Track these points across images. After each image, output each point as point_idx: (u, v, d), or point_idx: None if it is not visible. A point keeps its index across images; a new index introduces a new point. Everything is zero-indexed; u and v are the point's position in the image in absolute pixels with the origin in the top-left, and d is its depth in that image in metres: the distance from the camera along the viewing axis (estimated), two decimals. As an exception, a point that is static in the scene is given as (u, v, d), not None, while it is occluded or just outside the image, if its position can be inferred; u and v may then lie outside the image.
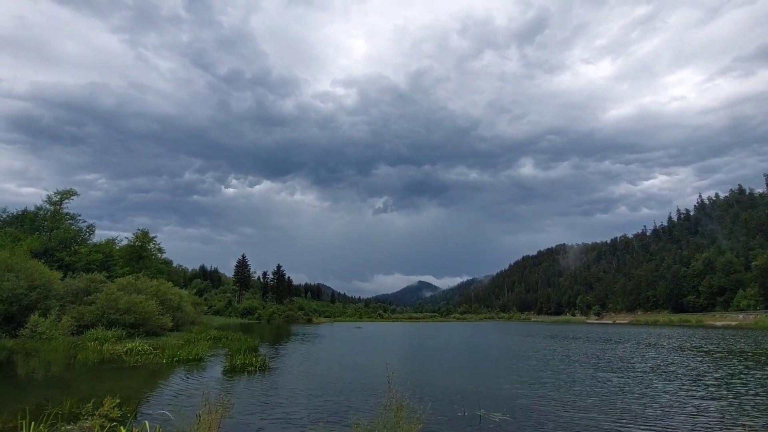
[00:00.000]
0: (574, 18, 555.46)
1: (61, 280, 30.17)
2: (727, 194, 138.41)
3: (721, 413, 10.12)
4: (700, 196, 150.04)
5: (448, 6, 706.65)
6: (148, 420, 8.42)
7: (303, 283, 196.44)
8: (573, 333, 50.94)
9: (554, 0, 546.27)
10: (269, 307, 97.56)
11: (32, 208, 43.19)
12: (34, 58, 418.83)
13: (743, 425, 9.02)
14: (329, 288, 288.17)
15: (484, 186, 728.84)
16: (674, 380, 14.93)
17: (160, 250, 56.72)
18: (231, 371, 16.43)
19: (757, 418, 9.66)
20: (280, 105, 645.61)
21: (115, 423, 7.98)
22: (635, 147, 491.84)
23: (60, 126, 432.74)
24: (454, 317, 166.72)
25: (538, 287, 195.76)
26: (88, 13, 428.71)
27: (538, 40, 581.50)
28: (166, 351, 20.70)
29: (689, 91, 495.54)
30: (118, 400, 8.22)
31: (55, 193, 43.28)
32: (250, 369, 16.73)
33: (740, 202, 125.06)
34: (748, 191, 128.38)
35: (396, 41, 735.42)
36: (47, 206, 43.08)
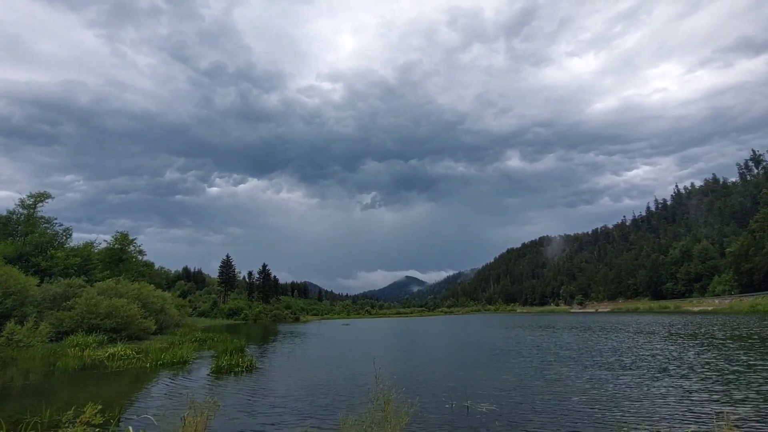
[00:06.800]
0: (560, 11, 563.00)
1: (38, 285, 29.28)
2: (702, 184, 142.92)
3: (697, 399, 10.47)
4: (676, 185, 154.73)
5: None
6: (132, 425, 8.27)
7: (289, 281, 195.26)
8: (557, 323, 52.01)
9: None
10: (255, 307, 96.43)
11: (5, 213, 41.77)
12: (4, 56, 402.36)
13: (725, 413, 9.35)
14: (316, 286, 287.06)
15: (471, 179, 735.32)
16: (658, 369, 15.39)
17: (140, 252, 55.66)
18: (217, 372, 16.22)
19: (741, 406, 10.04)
20: (264, 100, 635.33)
21: (97, 429, 7.81)
22: (619, 138, 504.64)
23: (31, 125, 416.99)
24: (441, 311, 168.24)
25: (523, 279, 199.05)
26: (63, 7, 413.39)
27: (525, 33, 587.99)
28: (149, 355, 20.30)
29: (671, 83, 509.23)
30: (100, 407, 8.03)
31: (29, 196, 41.88)
32: (236, 370, 16.54)
33: (715, 191, 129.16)
34: (722, 180, 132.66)
35: (383, 35, 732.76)
36: (20, 210, 41.65)
